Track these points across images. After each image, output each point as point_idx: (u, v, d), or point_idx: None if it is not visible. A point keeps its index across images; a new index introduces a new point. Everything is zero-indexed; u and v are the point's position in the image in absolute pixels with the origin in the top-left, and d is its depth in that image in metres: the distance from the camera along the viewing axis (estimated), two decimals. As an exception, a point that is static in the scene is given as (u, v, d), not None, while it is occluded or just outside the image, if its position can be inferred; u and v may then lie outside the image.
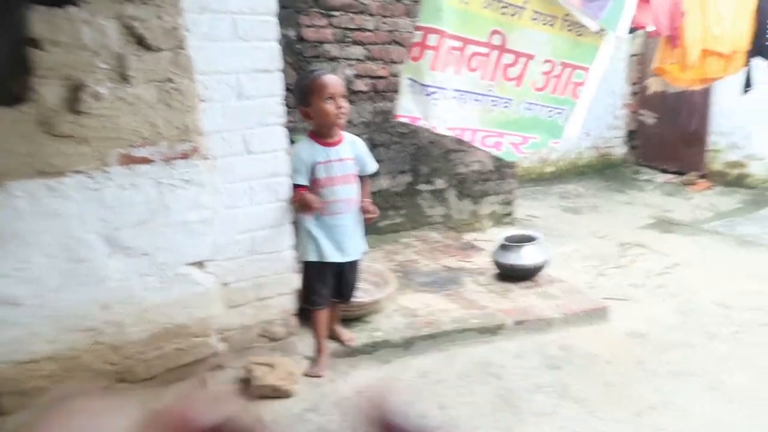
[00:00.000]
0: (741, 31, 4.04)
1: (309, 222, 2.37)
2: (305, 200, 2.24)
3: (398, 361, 2.71)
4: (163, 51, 2.07)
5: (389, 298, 3.05)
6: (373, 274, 3.19)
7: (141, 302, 2.16)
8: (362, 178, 2.51)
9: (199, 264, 2.26)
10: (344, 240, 2.40)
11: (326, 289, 2.45)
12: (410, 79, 2.89)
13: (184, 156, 2.18)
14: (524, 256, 3.42)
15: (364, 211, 2.45)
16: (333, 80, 2.27)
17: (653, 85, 6.84)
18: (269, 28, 2.28)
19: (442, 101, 2.93)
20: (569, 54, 3.23)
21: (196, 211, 2.22)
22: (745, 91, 4.43)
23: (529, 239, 3.52)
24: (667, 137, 6.77)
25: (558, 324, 3.07)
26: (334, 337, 2.68)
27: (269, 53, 2.31)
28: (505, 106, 3.21)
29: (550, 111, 3.32)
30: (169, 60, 2.08)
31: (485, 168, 4.72)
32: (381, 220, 4.36)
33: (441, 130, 3.01)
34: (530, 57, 3.13)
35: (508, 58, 3.10)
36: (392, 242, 4.19)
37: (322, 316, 2.49)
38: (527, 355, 2.81)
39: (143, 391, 2.18)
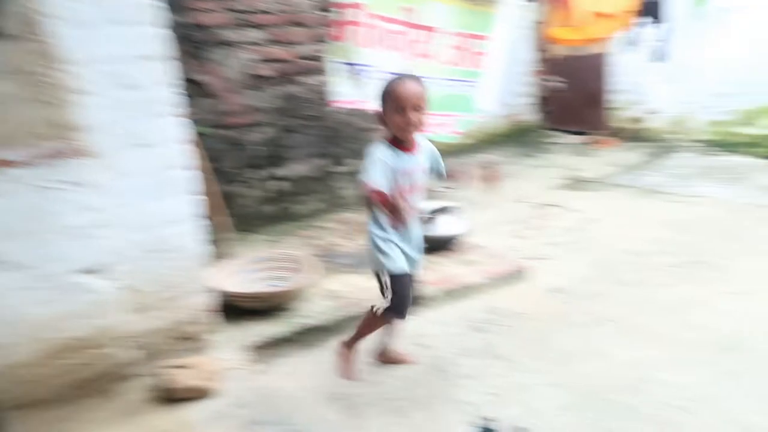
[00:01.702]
0: (628, -9, 4.26)
1: (387, 232, 2.16)
2: (396, 204, 2.00)
3: (329, 344, 2.67)
4: (23, 39, 1.89)
5: (312, 283, 3.00)
6: (293, 261, 3.12)
7: (28, 319, 1.99)
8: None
9: (93, 270, 2.11)
10: (412, 251, 2.25)
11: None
12: (339, 61, 2.76)
13: (63, 155, 2.02)
14: (442, 226, 3.46)
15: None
16: (407, 91, 2.05)
17: (555, 50, 7.10)
18: (143, 11, 2.14)
19: (375, 81, 2.82)
20: (468, 24, 3.26)
21: (83, 214, 2.07)
22: (634, 50, 4.67)
23: (445, 209, 3.56)
24: (573, 100, 7.08)
25: (482, 289, 3.14)
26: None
27: (148, 38, 2.17)
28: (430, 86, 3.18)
29: (463, 85, 3.34)
30: (31, 49, 1.91)
31: (399, 144, 4.72)
32: (298, 205, 4.30)
33: None
34: (439, 31, 3.13)
35: (422, 35, 3.07)
36: (311, 227, 4.13)
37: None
38: (455, 322, 2.86)
39: (48, 413, 2.02)
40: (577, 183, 5.35)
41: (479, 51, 3.34)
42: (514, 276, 3.27)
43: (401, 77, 2.12)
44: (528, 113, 7.66)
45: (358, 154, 4.51)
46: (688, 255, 3.48)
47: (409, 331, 2.76)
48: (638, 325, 2.73)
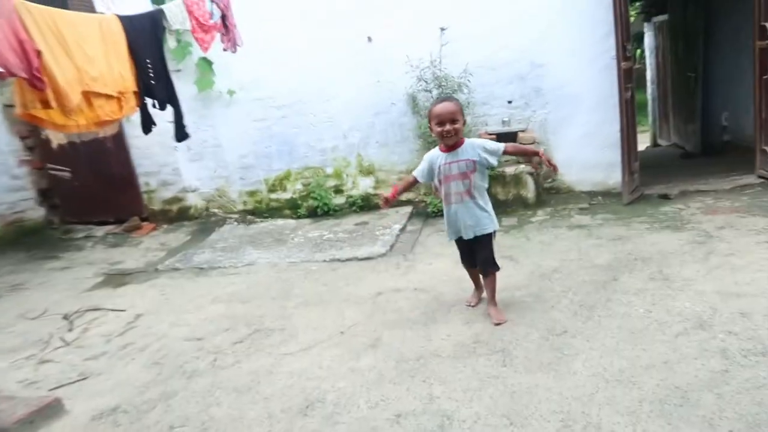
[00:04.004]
0: (122, 72, 3.99)
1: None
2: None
3: None
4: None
5: None
6: None
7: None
8: None
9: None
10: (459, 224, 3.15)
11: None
12: None
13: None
14: None
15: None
16: (442, 107, 2.91)
17: (56, 137, 6.38)
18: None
19: None
20: None
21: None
22: (147, 131, 4.46)
23: None
24: (93, 188, 6.46)
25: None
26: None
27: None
28: None
29: None
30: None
31: None
32: None
33: None
34: None
35: None
36: None
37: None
38: None
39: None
40: (119, 277, 4.78)
41: None
42: (39, 417, 2.48)
43: (440, 98, 3.01)
44: (33, 209, 6.58)
45: None
46: (249, 326, 3.39)
47: None
48: (213, 419, 2.40)
